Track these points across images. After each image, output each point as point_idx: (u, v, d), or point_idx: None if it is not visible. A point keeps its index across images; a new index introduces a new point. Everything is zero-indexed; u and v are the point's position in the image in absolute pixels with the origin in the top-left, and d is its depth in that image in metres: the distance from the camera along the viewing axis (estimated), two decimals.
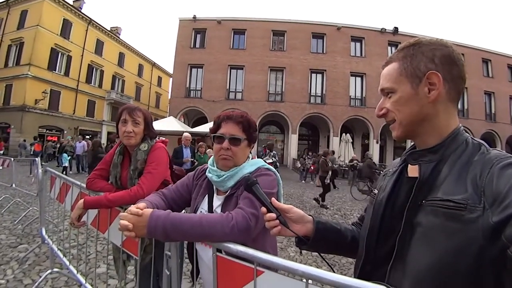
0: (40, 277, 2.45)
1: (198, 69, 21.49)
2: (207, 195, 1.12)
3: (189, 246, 1.13)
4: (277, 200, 0.83)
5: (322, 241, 0.83)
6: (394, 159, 1.36)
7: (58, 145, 15.47)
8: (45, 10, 20.30)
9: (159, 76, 35.39)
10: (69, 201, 2.05)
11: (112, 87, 27.26)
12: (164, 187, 1.25)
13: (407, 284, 0.60)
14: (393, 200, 0.73)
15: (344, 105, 20.70)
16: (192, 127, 16.09)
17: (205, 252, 1.04)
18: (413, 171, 0.73)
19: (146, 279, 1.49)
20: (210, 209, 1.08)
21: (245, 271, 0.79)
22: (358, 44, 21.77)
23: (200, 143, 6.65)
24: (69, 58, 22.61)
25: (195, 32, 21.94)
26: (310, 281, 0.65)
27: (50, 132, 21.45)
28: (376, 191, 0.82)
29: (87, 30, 24.13)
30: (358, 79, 21.38)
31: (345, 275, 0.61)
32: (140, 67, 31.80)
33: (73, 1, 24.25)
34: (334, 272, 0.64)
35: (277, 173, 1.13)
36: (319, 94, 21.31)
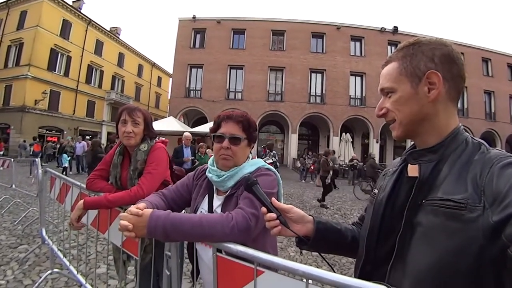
0: (40, 277, 2.44)
1: (198, 69, 21.49)
2: (207, 195, 1.12)
3: (189, 246, 1.13)
4: (277, 200, 0.83)
5: (323, 241, 0.83)
6: (394, 158, 1.36)
7: (58, 146, 15.48)
8: (44, 10, 20.29)
9: (158, 76, 35.39)
10: (69, 202, 2.05)
11: (112, 88, 27.26)
12: (164, 187, 1.25)
13: (408, 284, 0.60)
14: (393, 199, 0.73)
15: (344, 104, 20.70)
16: (192, 127, 16.09)
17: (205, 252, 1.04)
18: (413, 170, 0.73)
19: (146, 279, 1.49)
20: (210, 209, 1.08)
21: (245, 271, 0.79)
22: (357, 44, 21.77)
23: (201, 143, 6.64)
24: (69, 59, 22.61)
25: (195, 32, 21.93)
26: (310, 281, 0.65)
27: (50, 132, 21.45)
28: (376, 191, 0.82)
29: (86, 31, 24.12)
30: (358, 78, 21.38)
31: (345, 275, 0.61)
32: (140, 67, 31.79)
33: (73, 2, 24.26)
34: (334, 272, 0.64)
35: (277, 173, 1.13)
36: (319, 94, 21.30)
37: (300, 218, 0.82)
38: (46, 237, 2.57)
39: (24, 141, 16.42)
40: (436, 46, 0.67)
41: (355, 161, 13.98)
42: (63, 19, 21.99)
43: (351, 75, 21.15)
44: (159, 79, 35.53)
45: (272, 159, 8.15)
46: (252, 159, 1.18)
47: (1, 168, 5.40)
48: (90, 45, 24.55)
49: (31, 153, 14.76)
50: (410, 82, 0.68)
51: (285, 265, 0.70)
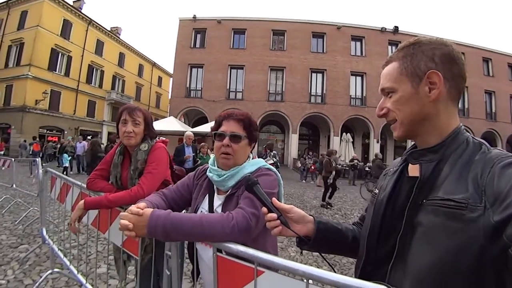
0: (41, 277, 2.45)
1: (198, 69, 21.50)
2: (207, 195, 1.12)
3: (190, 246, 1.13)
4: (278, 200, 0.82)
5: (323, 241, 0.83)
6: (394, 158, 1.36)
7: (58, 146, 15.49)
8: (45, 10, 20.31)
9: (159, 76, 35.41)
10: (70, 202, 2.05)
11: (113, 87, 27.28)
12: (165, 187, 1.25)
13: (408, 284, 0.60)
14: (393, 199, 0.73)
15: (345, 104, 20.69)
16: (192, 127, 16.09)
17: (205, 252, 1.04)
18: (413, 170, 0.73)
19: (147, 279, 1.49)
20: (211, 208, 1.08)
21: (246, 271, 0.79)
22: (358, 44, 21.76)
23: (202, 143, 6.62)
24: (69, 59, 22.63)
25: (195, 32, 21.94)
26: (310, 281, 0.65)
27: (50, 132, 21.48)
28: (377, 191, 0.82)
29: (87, 31, 24.14)
30: (359, 78, 21.37)
31: (346, 275, 0.61)
32: (140, 67, 31.81)
33: (73, 2, 24.27)
34: (335, 272, 0.64)
35: (277, 173, 1.13)
36: (320, 94, 21.30)
37: (300, 218, 0.82)
38: (47, 237, 2.58)
39: (25, 141, 16.44)
40: (437, 45, 0.67)
41: (356, 161, 13.98)
42: (64, 19, 22.01)
43: (352, 75, 21.14)
44: (160, 79, 35.55)
45: (273, 160, 8.13)
46: (252, 159, 1.18)
47: (3, 168, 5.40)
48: (91, 45, 24.57)
49: (30, 152, 14.77)
50: (410, 82, 0.68)
51: (285, 265, 0.70)
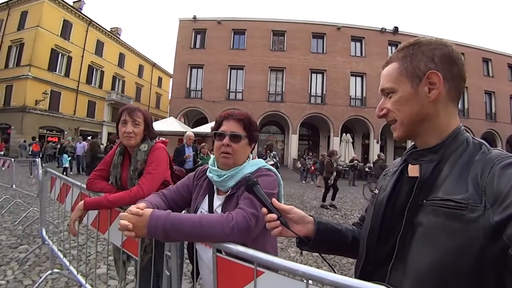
0: (41, 277, 2.44)
1: (198, 69, 21.51)
2: (207, 195, 1.12)
3: (189, 247, 1.13)
4: (277, 200, 0.82)
5: (323, 241, 0.83)
6: (394, 159, 1.36)
7: (58, 146, 15.49)
8: (45, 11, 20.34)
9: (159, 77, 35.43)
10: (70, 202, 2.05)
11: (113, 88, 27.30)
12: (165, 188, 1.25)
13: (408, 284, 0.60)
14: (393, 200, 0.73)
15: (344, 105, 20.70)
16: (192, 128, 16.10)
17: (205, 253, 1.04)
18: (413, 171, 0.73)
19: (146, 280, 1.49)
20: (211, 209, 1.08)
21: (245, 271, 0.78)
22: (358, 44, 21.78)
23: (203, 144, 6.61)
24: (70, 59, 22.66)
25: (195, 33, 21.96)
26: (310, 282, 0.65)
27: (50, 133, 21.49)
28: (376, 191, 0.82)
29: (87, 31, 24.17)
30: (358, 79, 21.39)
31: (345, 275, 0.61)
32: (140, 68, 31.84)
33: (73, 2, 24.30)
34: (334, 272, 0.64)
35: (277, 173, 1.13)
36: (319, 94, 21.31)
37: (300, 218, 0.82)
38: (46, 237, 2.57)
39: (25, 141, 16.45)
40: (436, 46, 0.67)
41: (356, 161, 13.98)
42: (64, 20, 22.04)
43: (352, 75, 21.16)
44: (160, 79, 35.58)
45: (273, 160, 8.13)
46: (252, 159, 1.18)
47: (3, 168, 5.40)
48: (91, 45, 24.60)
49: (30, 153, 14.76)
50: (410, 82, 0.68)
51: (285, 266, 0.69)
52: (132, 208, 0.88)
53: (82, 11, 24.37)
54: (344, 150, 16.48)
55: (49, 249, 2.56)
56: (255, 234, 0.96)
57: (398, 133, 0.72)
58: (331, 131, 20.73)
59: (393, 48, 20.32)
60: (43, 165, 3.18)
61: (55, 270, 2.52)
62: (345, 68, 21.02)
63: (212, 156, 1.18)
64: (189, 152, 5.73)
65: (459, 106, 0.74)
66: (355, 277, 0.68)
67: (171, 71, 24.27)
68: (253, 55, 21.05)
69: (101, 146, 12.38)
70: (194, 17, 21.81)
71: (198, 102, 20.87)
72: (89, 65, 24.50)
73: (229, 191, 1.08)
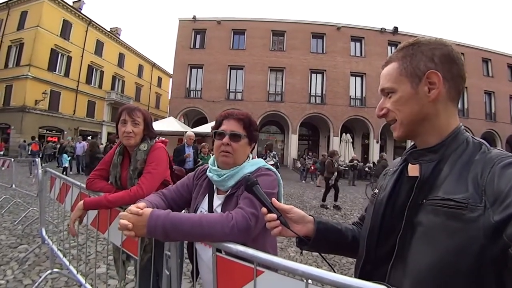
0: (40, 277, 2.44)
1: (198, 69, 21.51)
2: (207, 195, 1.12)
3: (189, 246, 1.13)
4: (277, 200, 0.82)
5: (323, 241, 0.83)
6: (394, 158, 1.36)
7: (58, 146, 15.48)
8: (45, 11, 20.32)
9: (159, 77, 35.42)
10: (69, 202, 2.05)
11: (112, 88, 27.29)
12: (164, 187, 1.25)
13: (408, 284, 0.60)
14: (393, 199, 0.73)
15: (344, 105, 20.70)
16: (192, 128, 16.10)
17: (204, 252, 1.04)
18: (413, 170, 0.73)
19: (146, 279, 1.49)
20: (210, 208, 1.08)
21: (245, 271, 0.78)
22: (358, 44, 21.79)
23: (203, 143, 6.60)
24: (69, 59, 22.64)
25: (195, 33, 21.96)
26: (310, 281, 0.65)
27: (50, 132, 21.48)
28: (376, 191, 0.82)
29: (87, 31, 24.16)
30: (358, 79, 21.39)
31: (345, 275, 0.61)
32: (140, 68, 31.83)
33: (73, 2, 24.29)
34: (334, 272, 0.64)
35: (277, 173, 1.13)
36: (319, 94, 21.32)
37: (300, 218, 0.82)
38: (46, 237, 2.57)
39: (24, 141, 16.43)
40: (436, 46, 0.67)
41: (355, 161, 13.99)
42: (64, 20, 22.03)
43: (351, 75, 21.17)
44: (159, 79, 35.56)
45: (273, 160, 8.12)
46: (252, 159, 1.18)
47: (3, 168, 5.40)
48: (91, 45, 24.58)
49: (29, 152, 14.73)
50: (410, 82, 0.68)
51: (285, 265, 0.69)
52: (132, 207, 0.88)
53: (82, 11, 24.36)
54: (344, 150, 16.48)
55: (48, 248, 2.56)
56: (255, 233, 0.96)
57: (398, 133, 0.72)
58: (331, 131, 20.73)
59: (393, 48, 20.29)
60: (43, 165, 3.17)
61: (55, 270, 2.52)
62: (345, 68, 21.03)
63: (212, 156, 1.18)
64: (189, 152, 5.72)
65: (459, 106, 0.74)
66: (355, 277, 0.68)
67: (170, 71, 24.27)
68: (252, 55, 21.04)
69: (101, 146, 12.39)
70: (194, 17, 21.80)
71: (197, 102, 20.87)
72: (88, 65, 24.48)
73: (229, 191, 1.07)
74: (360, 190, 11.41)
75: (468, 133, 0.68)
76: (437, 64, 0.65)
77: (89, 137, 18.90)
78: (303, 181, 13.41)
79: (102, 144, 15.21)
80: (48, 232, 2.77)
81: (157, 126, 10.82)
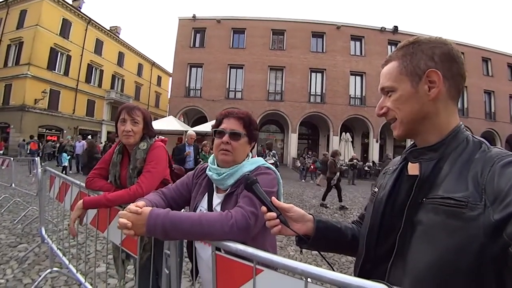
0: (40, 276, 2.44)
1: (198, 68, 21.48)
2: (206, 194, 1.12)
3: (189, 245, 1.13)
4: (277, 199, 0.82)
5: (323, 240, 0.83)
6: (394, 157, 1.36)
7: (57, 145, 15.44)
8: (44, 9, 20.27)
9: (158, 76, 35.37)
10: (69, 201, 2.05)
11: (112, 87, 27.25)
12: (164, 187, 1.25)
13: (408, 282, 0.60)
14: (393, 198, 0.73)
15: (344, 104, 20.70)
16: (191, 127, 16.10)
17: (204, 251, 1.04)
18: (413, 169, 0.73)
19: (146, 278, 1.49)
20: (210, 207, 1.08)
21: (245, 269, 0.78)
22: (358, 43, 21.76)
23: (204, 142, 6.59)
24: (69, 58, 22.60)
25: (195, 32, 21.91)
26: (309, 280, 0.65)
27: (49, 131, 21.46)
28: (376, 189, 0.82)
29: (86, 30, 24.10)
30: (358, 78, 21.38)
31: (345, 273, 0.60)
32: (140, 67, 31.77)
33: (72, 1, 24.21)
34: (334, 270, 0.63)
35: (277, 172, 1.13)
36: (319, 93, 21.30)
37: (300, 217, 0.82)
38: (46, 236, 2.57)
39: (24, 140, 16.38)
40: (436, 44, 0.67)
41: (355, 160, 13.99)
42: (63, 18, 21.97)
43: (351, 74, 21.15)
44: (159, 78, 35.52)
45: (273, 159, 8.11)
46: (252, 158, 1.18)
47: (2, 167, 5.39)
48: (90, 44, 24.53)
49: (28, 152, 14.70)
50: (410, 81, 0.67)
51: (284, 264, 0.69)
52: (131, 206, 0.87)
53: (81, 10, 24.30)
54: (343, 149, 16.48)
55: (48, 247, 2.56)
56: (254, 232, 0.96)
57: (398, 132, 0.72)
58: (331, 130, 20.73)
59: (393, 47, 20.30)
60: (42, 164, 3.17)
61: (55, 269, 2.52)
62: (344, 67, 21.01)
63: (212, 155, 1.18)
64: (189, 150, 5.70)
65: (459, 105, 0.74)
66: (355, 275, 0.68)
67: (170, 70, 24.23)
68: (252, 54, 21.01)
69: (100, 145, 12.37)
70: (194, 16, 21.75)
71: (197, 101, 20.84)
72: (88, 64, 24.44)
73: (229, 190, 1.07)
74: (360, 189, 11.43)
75: (468, 132, 0.68)
76: (437, 62, 0.65)
77: (89, 136, 18.87)
78: (303, 180, 13.41)
79: (101, 143, 15.19)
80: (47, 231, 2.77)
81: (157, 125, 10.83)
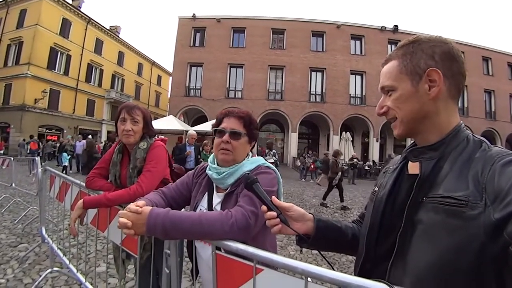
0: (40, 276, 2.45)
1: (198, 67, 21.47)
2: (206, 193, 1.12)
3: (189, 245, 1.13)
4: (277, 198, 0.82)
5: (323, 239, 0.83)
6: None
7: (58, 145, 15.44)
8: (44, 9, 20.25)
9: (158, 75, 35.35)
10: (69, 200, 2.05)
11: (112, 86, 27.25)
12: (164, 186, 1.25)
13: (408, 282, 0.60)
14: (393, 197, 0.73)
15: (344, 103, 20.69)
16: (191, 126, 16.10)
17: (204, 250, 1.04)
18: (413, 168, 0.73)
19: (146, 278, 1.49)
20: (210, 206, 1.08)
21: (245, 269, 0.78)
22: (358, 42, 21.74)
23: (205, 141, 6.59)
24: (69, 57, 22.59)
25: (195, 31, 21.90)
26: (309, 279, 0.65)
27: (50, 131, 21.46)
28: (376, 189, 0.82)
29: (86, 29, 24.08)
30: (358, 77, 21.37)
31: (345, 273, 0.60)
32: (140, 66, 31.76)
33: (72, 0, 24.17)
34: (334, 270, 0.63)
35: (277, 171, 1.13)
36: (319, 93, 21.29)
37: (300, 216, 0.82)
38: (46, 236, 2.57)
39: (24, 140, 16.38)
40: (436, 43, 0.67)
41: (355, 160, 13.99)
42: (63, 18, 21.96)
43: (351, 73, 21.14)
44: (159, 77, 35.50)
45: (273, 159, 8.10)
46: (252, 157, 1.18)
47: (3, 167, 5.39)
48: (90, 43, 24.52)
49: (28, 151, 14.70)
50: (410, 80, 0.67)
51: (285, 263, 0.69)
52: (131, 205, 0.87)
53: (81, 10, 24.27)
54: (343, 148, 16.47)
55: (48, 247, 2.56)
56: (254, 232, 0.95)
57: (399, 131, 0.72)
58: (331, 130, 20.72)
59: (393, 46, 20.17)
60: (42, 163, 3.17)
61: (55, 269, 2.52)
62: (344, 66, 21.00)
63: (212, 154, 1.18)
64: (190, 150, 5.68)
65: (459, 104, 0.74)
66: (355, 275, 0.68)
67: (170, 70, 24.22)
68: (252, 54, 21.00)
69: (100, 144, 12.37)
70: (194, 15, 21.73)
71: (197, 100, 20.84)
72: (88, 63, 24.43)
73: (229, 189, 1.07)
74: (360, 188, 11.43)
75: (468, 131, 0.68)
76: (437, 61, 0.65)
77: (89, 136, 18.86)
78: (303, 180, 13.42)
79: (101, 142, 15.19)
80: (48, 231, 2.77)
81: (157, 124, 10.84)
